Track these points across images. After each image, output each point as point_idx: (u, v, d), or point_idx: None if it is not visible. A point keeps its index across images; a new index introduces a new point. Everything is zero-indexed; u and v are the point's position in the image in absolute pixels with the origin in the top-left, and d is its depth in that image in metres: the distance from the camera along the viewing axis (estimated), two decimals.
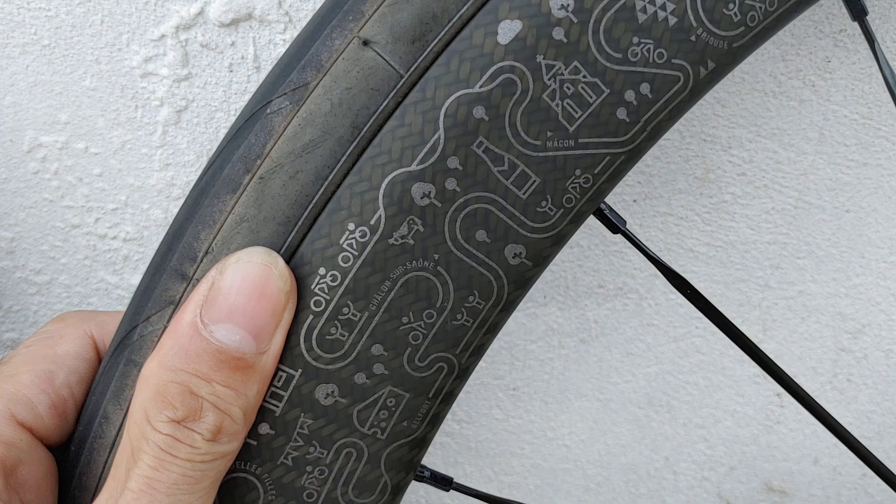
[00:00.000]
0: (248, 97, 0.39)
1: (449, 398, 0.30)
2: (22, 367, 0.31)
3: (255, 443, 0.28)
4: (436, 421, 0.30)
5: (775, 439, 0.51)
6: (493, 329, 0.30)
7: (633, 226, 0.44)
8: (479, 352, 0.30)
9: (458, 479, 0.50)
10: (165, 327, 0.27)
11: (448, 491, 0.32)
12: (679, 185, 0.44)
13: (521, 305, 0.46)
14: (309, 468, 0.29)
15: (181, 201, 0.41)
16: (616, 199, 0.44)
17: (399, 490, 0.30)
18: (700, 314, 0.46)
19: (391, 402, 0.29)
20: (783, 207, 0.45)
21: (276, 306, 0.26)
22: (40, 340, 0.33)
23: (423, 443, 0.30)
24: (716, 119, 0.43)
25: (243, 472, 0.28)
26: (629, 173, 0.42)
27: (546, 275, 0.45)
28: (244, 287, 0.26)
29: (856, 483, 0.54)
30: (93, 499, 0.28)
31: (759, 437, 0.51)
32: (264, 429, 0.28)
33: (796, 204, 0.45)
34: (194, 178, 0.40)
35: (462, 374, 0.30)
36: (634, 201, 0.44)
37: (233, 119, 0.39)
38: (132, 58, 0.38)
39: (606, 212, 0.32)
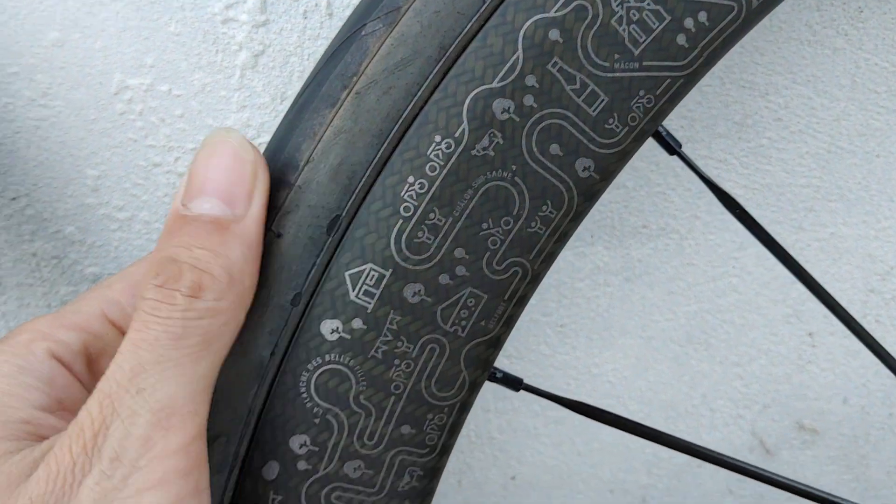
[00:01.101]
0: (320, 42, 0.42)
1: (522, 301, 0.33)
2: (118, 278, 0.35)
3: (348, 337, 0.31)
4: (510, 323, 0.33)
5: (807, 378, 0.54)
6: (562, 238, 0.32)
7: (675, 167, 0.47)
8: (549, 259, 0.33)
9: (508, 413, 0.53)
10: (268, 230, 0.30)
11: (518, 391, 0.35)
12: (719, 130, 0.46)
13: (570, 244, 0.48)
14: (397, 362, 0.31)
15: (257, 141, 0.44)
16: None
17: (475, 387, 0.33)
18: (737, 253, 0.49)
19: (471, 302, 0.32)
20: (816, 152, 0.47)
21: (243, 172, 0.29)
22: (138, 261, 0.37)
23: (497, 343, 0.33)
24: (754, 66, 0.45)
25: (337, 363, 0.31)
26: (675, 116, 0.45)
27: (593, 215, 0.48)
28: (210, 163, 0.29)
29: (883, 423, 0.56)
30: None
31: (791, 376, 0.54)
32: (357, 324, 0.31)
33: (829, 149, 0.47)
34: (269, 119, 0.43)
35: (534, 279, 0.32)
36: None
37: (307, 63, 0.42)
38: (214, 5, 0.40)
39: (664, 134, 0.34)
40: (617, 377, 0.53)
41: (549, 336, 0.51)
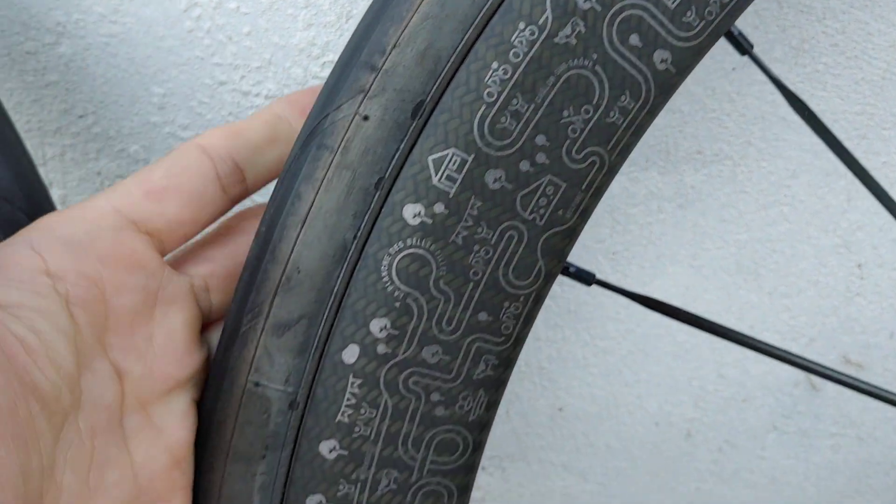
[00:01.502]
0: None
1: (598, 193, 0.33)
2: None
3: (430, 221, 0.32)
4: (585, 215, 0.33)
5: (854, 311, 0.54)
6: (638, 131, 0.33)
7: (731, 93, 0.47)
8: (625, 152, 0.33)
9: (558, 342, 0.54)
10: (356, 113, 0.31)
11: (590, 286, 0.36)
12: (776, 54, 0.47)
13: (624, 169, 0.49)
14: (476, 248, 0.32)
15: (321, 60, 0.44)
16: (716, 66, 0.47)
17: (550, 278, 0.34)
18: (789, 181, 0.49)
19: (550, 190, 0.32)
20: (871, 79, 0.48)
21: None
22: None
23: (573, 234, 0.33)
24: None
25: (418, 248, 0.32)
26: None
27: (648, 139, 0.48)
28: None
29: None
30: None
31: (838, 309, 0.54)
32: (439, 208, 0.31)
33: (884, 75, 0.48)
34: (334, 38, 0.44)
35: (610, 170, 0.33)
36: (734, 69, 0.47)
37: None
38: None
39: (737, 34, 0.35)
40: None
41: (602, 263, 0.51)
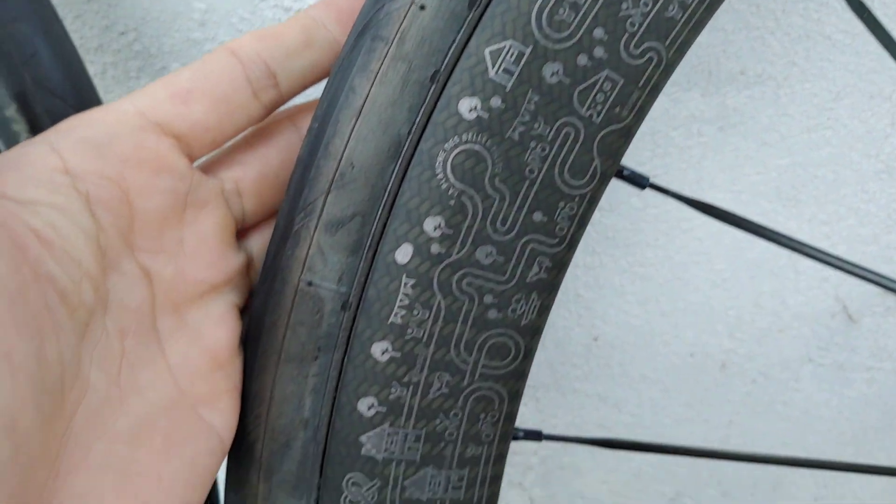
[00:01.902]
0: None
1: (654, 91, 0.33)
2: None
3: (486, 115, 0.31)
4: (641, 113, 0.33)
5: (894, 240, 0.54)
6: (696, 27, 0.32)
7: (776, 10, 0.46)
8: (682, 48, 0.32)
9: (594, 269, 0.54)
10: (412, 2, 0.30)
11: (643, 188, 0.35)
12: None
13: (666, 90, 0.48)
14: (532, 144, 0.32)
15: None
16: None
17: (605, 179, 0.33)
18: (832, 104, 0.49)
19: (607, 86, 0.32)
20: None
21: None
22: None
23: (629, 133, 0.33)
24: None
25: (474, 143, 0.31)
26: None
27: (690, 59, 0.47)
28: None
29: None
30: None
31: (879, 237, 0.54)
32: (496, 102, 0.31)
33: None
34: None
35: (667, 68, 0.32)
36: None
37: None
38: None
39: None
40: (705, 233, 0.53)
41: None
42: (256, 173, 0.34)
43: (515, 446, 0.61)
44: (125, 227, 0.29)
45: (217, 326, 0.32)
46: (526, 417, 0.59)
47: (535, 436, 0.38)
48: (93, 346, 0.27)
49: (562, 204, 0.33)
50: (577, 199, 0.33)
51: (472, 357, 0.34)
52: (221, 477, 0.37)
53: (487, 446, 0.35)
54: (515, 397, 0.35)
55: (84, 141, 0.28)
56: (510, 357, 0.34)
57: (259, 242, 0.35)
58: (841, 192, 0.52)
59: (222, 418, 0.31)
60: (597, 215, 0.52)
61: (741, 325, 0.56)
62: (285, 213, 0.32)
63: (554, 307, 0.55)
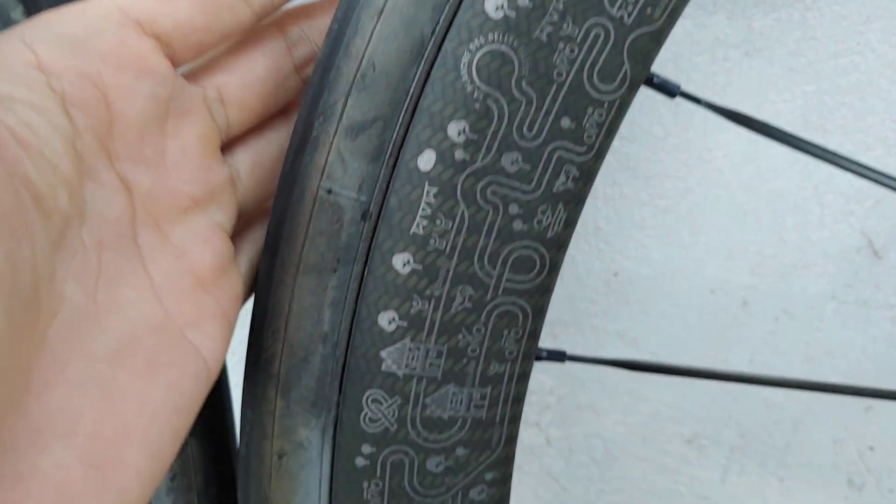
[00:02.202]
0: None
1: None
2: None
3: (513, 15, 0.30)
4: (673, 15, 0.31)
5: None
6: None
7: None
8: None
9: (615, 200, 0.52)
10: None
11: (674, 97, 0.34)
12: None
13: (690, 13, 0.47)
14: (561, 45, 0.30)
15: None
16: None
17: (635, 84, 0.32)
18: (862, 28, 0.47)
19: None
20: None
21: None
22: None
23: (660, 36, 0.32)
24: None
25: (500, 43, 0.30)
26: None
27: None
28: None
29: None
30: None
31: None
32: (524, 1, 0.30)
33: None
34: None
35: None
36: None
37: None
38: None
39: None
40: (727, 164, 0.51)
41: (664, 116, 0.49)
42: (240, 81, 0.32)
43: (533, 384, 0.60)
44: (103, 132, 0.27)
45: (201, 246, 0.30)
46: None
47: (558, 356, 0.37)
48: (69, 258, 0.25)
49: (590, 110, 0.32)
50: (605, 105, 0.32)
51: (495, 270, 0.33)
52: (237, 398, 0.36)
53: (510, 364, 0.34)
54: (539, 314, 0.34)
55: (59, 36, 0.26)
56: (535, 271, 0.33)
57: (245, 158, 0.33)
58: (868, 122, 0.51)
59: (210, 344, 0.30)
60: (617, 144, 0.51)
61: (763, 261, 0.55)
62: (303, 118, 0.31)
63: (573, 241, 0.54)
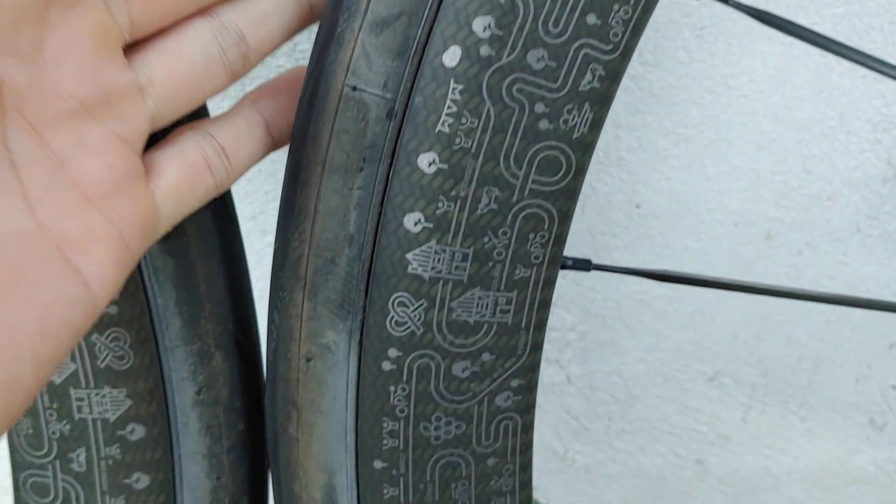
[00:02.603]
0: None
1: None
2: None
3: None
4: None
5: None
6: None
7: None
8: None
9: (637, 129, 0.52)
10: None
11: None
12: None
13: None
14: None
15: None
16: None
17: None
18: None
19: None
20: None
21: None
22: None
23: None
24: None
25: None
26: None
27: None
28: None
29: None
30: None
31: None
32: None
33: None
34: None
35: None
36: None
37: None
38: None
39: None
40: (753, 90, 0.51)
41: (688, 40, 0.49)
42: None
43: (554, 321, 0.60)
44: None
45: (90, 157, 0.27)
46: (564, 291, 0.59)
47: (584, 264, 0.37)
48: None
49: (616, 6, 0.31)
50: (631, 2, 0.31)
51: (521, 171, 0.33)
52: (261, 311, 0.36)
53: (536, 269, 0.34)
54: (565, 218, 0.34)
55: None
56: (561, 173, 0.33)
57: (160, 64, 0.29)
58: None
59: (96, 268, 0.26)
60: (640, 69, 0.50)
61: (788, 192, 0.55)
62: (328, 15, 0.31)
63: (594, 171, 0.53)
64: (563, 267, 0.37)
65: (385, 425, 0.35)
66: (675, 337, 0.61)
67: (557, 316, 0.59)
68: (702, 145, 0.53)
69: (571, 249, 0.57)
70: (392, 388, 0.34)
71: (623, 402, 0.63)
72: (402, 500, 0.36)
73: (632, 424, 0.65)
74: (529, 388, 0.36)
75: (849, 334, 0.60)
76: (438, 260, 0.33)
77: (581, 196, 0.54)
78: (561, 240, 0.34)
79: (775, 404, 0.64)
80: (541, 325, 0.35)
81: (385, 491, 0.35)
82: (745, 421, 0.65)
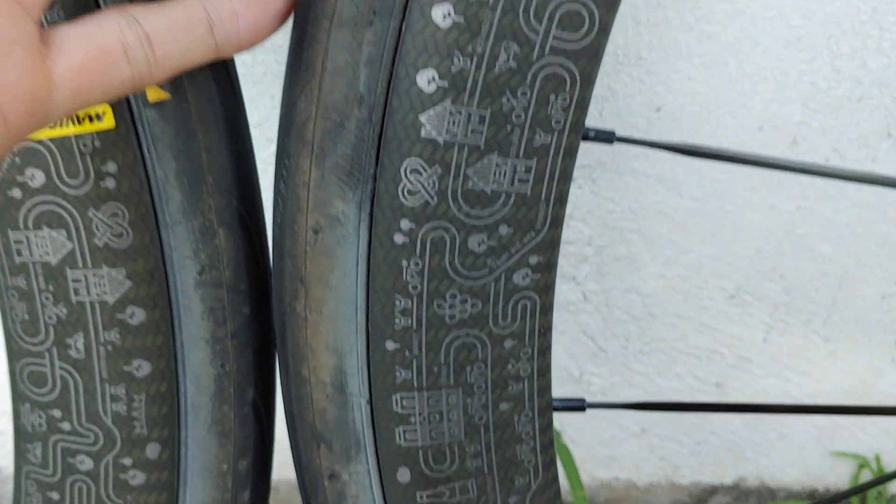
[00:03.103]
0: None
1: None
2: None
3: None
4: None
5: None
6: None
7: None
8: None
9: (658, 26, 0.50)
10: None
11: None
12: None
13: None
14: None
15: None
16: None
17: None
18: None
19: None
20: None
21: None
22: None
23: None
24: None
25: None
26: None
27: None
28: None
29: None
30: None
31: None
32: None
33: None
34: None
35: None
36: None
37: None
38: None
39: None
40: None
41: None
42: None
43: (570, 234, 0.58)
44: None
45: None
46: (581, 202, 0.57)
47: (606, 136, 0.35)
48: None
49: None
50: None
51: (542, 25, 0.30)
52: (266, 186, 0.34)
53: (557, 135, 0.32)
54: (588, 81, 0.32)
55: None
56: (584, 29, 0.31)
57: None
58: None
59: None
60: None
61: (816, 94, 0.52)
62: None
63: (614, 71, 0.51)
64: (585, 138, 0.35)
65: (397, 303, 0.33)
66: (695, 251, 0.59)
67: (574, 228, 0.57)
68: (726, 43, 0.50)
69: (589, 156, 0.55)
70: (405, 263, 0.32)
71: (641, 322, 0.62)
72: (414, 384, 0.34)
73: (649, 346, 0.63)
74: (549, 267, 0.34)
75: (875, 248, 0.58)
76: (453, 122, 0.31)
77: (599, 99, 0.52)
78: (583, 105, 0.32)
79: (798, 323, 0.62)
80: (561, 199, 0.33)
81: (398, 374, 0.34)
82: (766, 341, 0.63)
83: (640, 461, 0.69)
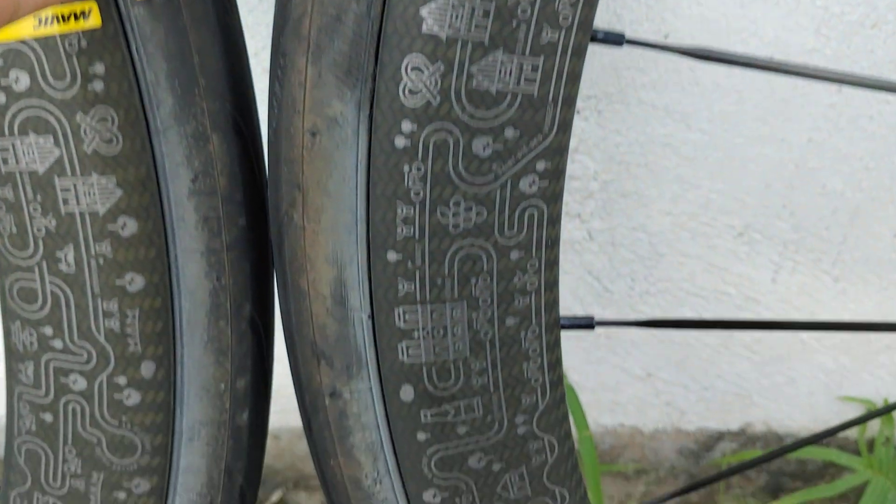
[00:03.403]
0: None
1: None
2: None
3: None
4: None
5: None
6: None
7: None
8: None
9: None
10: None
11: None
12: None
13: None
14: None
15: None
16: None
17: None
18: None
19: None
20: None
21: None
22: None
23: None
24: None
25: None
26: None
27: None
28: None
29: None
30: None
31: None
32: None
33: None
34: None
35: None
36: None
37: None
38: None
39: None
40: None
41: None
42: None
43: (576, 168, 0.56)
44: None
45: None
46: (587, 134, 0.55)
47: (616, 38, 0.34)
48: None
49: None
50: None
51: None
52: (261, 92, 0.33)
53: (565, 32, 0.31)
54: None
55: None
56: None
57: None
58: None
59: None
60: None
61: (829, 19, 0.51)
62: None
63: None
64: (594, 39, 0.34)
65: (399, 211, 0.32)
66: (703, 187, 0.57)
67: (579, 163, 0.56)
68: None
69: (596, 86, 0.53)
70: (406, 168, 0.31)
71: (647, 261, 0.60)
72: (417, 297, 0.33)
73: (655, 286, 0.62)
74: (557, 174, 0.33)
75: (889, 183, 0.57)
76: (456, 16, 0.29)
77: (604, 26, 0.51)
78: (591, 2, 0.31)
79: (807, 262, 0.61)
80: (569, 101, 0.32)
81: (400, 286, 0.33)
82: (775, 281, 0.62)
83: (645, 406, 0.68)
